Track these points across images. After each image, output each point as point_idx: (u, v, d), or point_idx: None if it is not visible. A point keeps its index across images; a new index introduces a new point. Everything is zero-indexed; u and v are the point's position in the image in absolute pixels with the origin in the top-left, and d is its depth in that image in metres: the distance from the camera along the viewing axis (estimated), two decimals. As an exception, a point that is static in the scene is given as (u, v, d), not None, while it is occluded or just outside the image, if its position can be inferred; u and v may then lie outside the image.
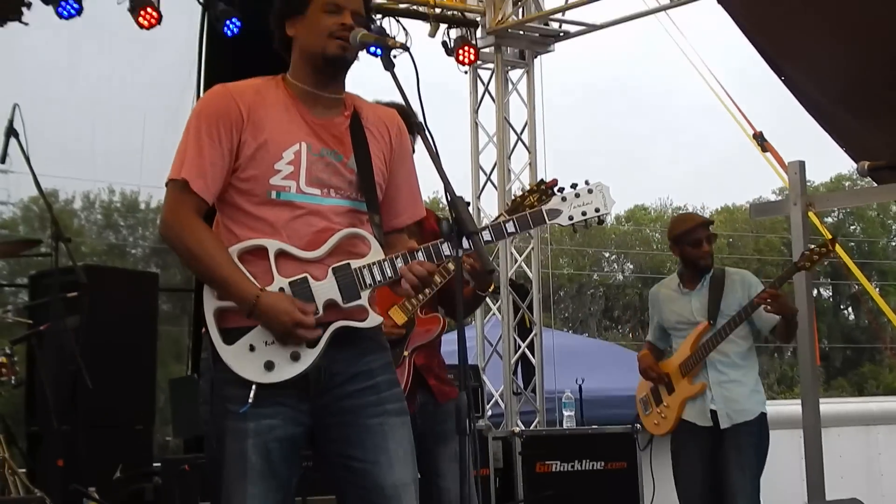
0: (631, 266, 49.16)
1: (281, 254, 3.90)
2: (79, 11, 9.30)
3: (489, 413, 11.39)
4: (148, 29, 9.60)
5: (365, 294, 3.94)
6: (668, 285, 7.62)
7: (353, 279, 3.93)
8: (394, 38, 4.06)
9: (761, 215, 12.09)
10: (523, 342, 11.53)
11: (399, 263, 3.95)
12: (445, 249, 3.98)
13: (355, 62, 4.06)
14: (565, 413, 10.88)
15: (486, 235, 4.12)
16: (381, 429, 3.95)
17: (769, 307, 7.05)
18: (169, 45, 9.96)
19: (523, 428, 10.65)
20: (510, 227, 4.17)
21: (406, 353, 5.51)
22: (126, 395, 8.71)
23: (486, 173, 11.78)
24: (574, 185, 4.31)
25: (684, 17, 11.31)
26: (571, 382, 11.50)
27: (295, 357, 3.85)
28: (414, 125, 4.07)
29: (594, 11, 11.82)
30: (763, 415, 7.21)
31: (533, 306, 11.56)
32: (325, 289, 3.90)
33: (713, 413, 7.19)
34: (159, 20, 9.62)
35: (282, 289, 3.86)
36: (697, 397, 7.26)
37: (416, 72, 3.88)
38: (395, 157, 4.20)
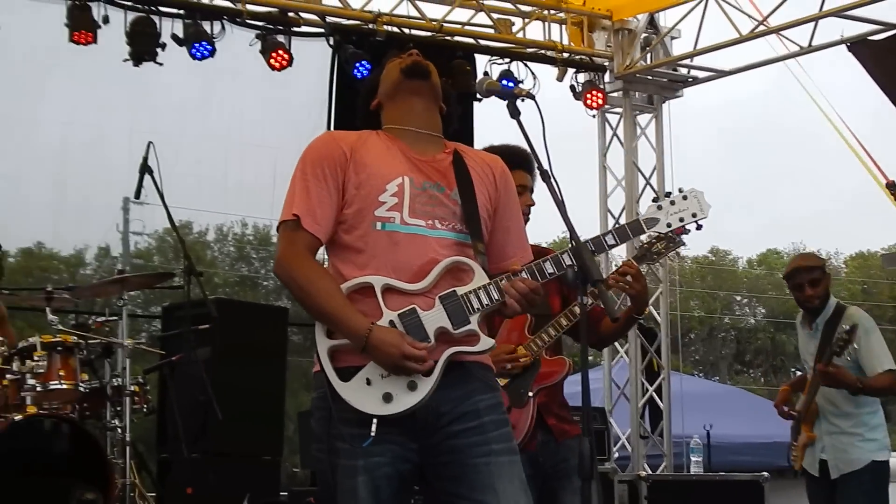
0: (763, 310, 48.36)
1: (387, 289, 3.95)
2: (211, 53, 9.59)
3: (616, 456, 11.38)
4: (279, 70, 9.84)
5: (474, 318, 3.97)
6: (799, 319, 7.62)
7: (460, 305, 3.96)
8: (520, 85, 4.12)
9: (893, 265, 11.93)
10: (651, 385, 11.51)
11: (504, 284, 4.01)
12: (548, 267, 4.03)
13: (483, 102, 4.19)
14: (693, 458, 10.84)
15: (590, 248, 4.15)
16: (487, 468, 3.95)
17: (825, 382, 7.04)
18: (300, 86, 10.16)
19: (650, 472, 10.64)
20: (610, 240, 4.19)
21: (531, 394, 5.54)
22: (255, 425, 8.89)
23: (614, 217, 11.82)
24: (668, 194, 4.36)
25: (814, 62, 11.28)
26: (699, 427, 11.47)
27: (412, 387, 3.89)
28: (540, 172, 4.13)
29: (723, 57, 11.84)
30: (877, 463, 7.09)
31: (661, 350, 11.53)
32: (435, 317, 3.94)
33: (823, 463, 7.15)
34: (290, 62, 9.86)
35: (391, 322, 3.91)
36: (813, 446, 7.24)
37: (542, 120, 3.95)
38: (501, 198, 4.25)
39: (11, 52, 9.81)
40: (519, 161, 5.63)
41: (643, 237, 4.94)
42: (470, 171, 4.18)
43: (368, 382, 3.91)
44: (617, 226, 4.26)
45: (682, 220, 4.27)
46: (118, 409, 7.53)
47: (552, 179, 3.93)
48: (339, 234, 4.06)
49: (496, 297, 4.00)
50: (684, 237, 4.83)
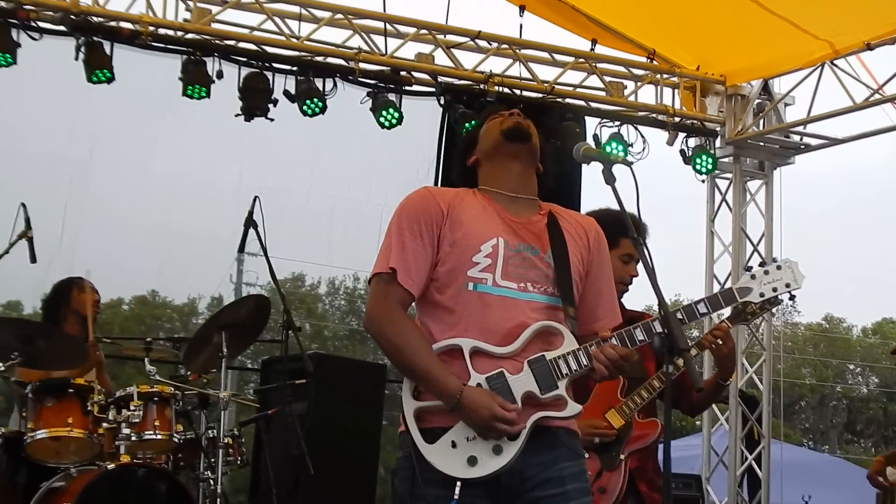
0: (876, 380, 47.55)
1: (476, 351, 3.97)
2: (322, 110, 9.70)
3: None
4: (388, 129, 9.93)
5: (562, 384, 3.99)
6: None
7: (549, 370, 3.99)
8: (629, 149, 4.13)
9: None
10: (750, 454, 11.30)
11: (593, 350, 4.00)
12: (639, 334, 4.03)
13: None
14: (792, 529, 10.63)
15: (679, 316, 4.16)
16: None
17: None
18: (409, 143, 10.26)
19: (747, 540, 10.48)
20: (702, 308, 4.22)
21: (622, 457, 5.51)
22: (348, 481, 8.91)
23: (720, 282, 11.68)
24: (763, 264, 4.33)
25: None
26: (799, 498, 11.24)
27: (497, 451, 3.90)
28: (632, 239, 4.11)
29: (837, 125, 11.66)
30: None
31: (762, 418, 11.33)
32: (522, 382, 3.96)
33: None
34: (400, 120, 9.94)
35: (479, 384, 3.93)
36: None
37: (637, 188, 3.97)
38: (594, 260, 4.28)
39: (127, 104, 10.01)
40: (629, 229, 5.63)
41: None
42: (564, 234, 4.22)
43: (454, 445, 3.93)
44: (710, 295, 4.20)
45: (775, 289, 4.29)
46: (212, 460, 7.59)
47: (644, 246, 3.92)
48: (430, 292, 4.09)
49: (585, 363, 4.02)
50: (794, 302, 4.78)
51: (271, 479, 7.83)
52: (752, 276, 4.29)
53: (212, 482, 7.52)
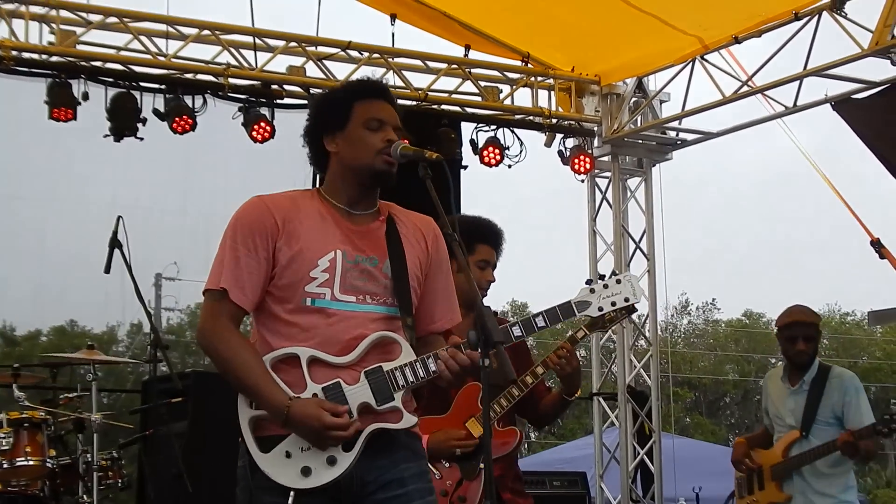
0: (798, 372, 48.19)
1: (313, 360, 3.96)
2: (193, 127, 9.65)
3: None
4: (261, 143, 9.90)
5: (398, 395, 3.99)
6: (777, 374, 7.59)
7: (385, 381, 3.98)
8: (431, 150, 4.08)
9: (879, 322, 11.85)
10: (642, 449, 11.39)
11: (431, 364, 4.00)
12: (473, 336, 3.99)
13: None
14: (679, 520, 10.73)
15: (517, 331, 4.18)
16: None
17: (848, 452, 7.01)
18: (283, 157, 10.17)
19: (641, 535, 10.56)
20: (540, 322, 4.22)
21: (482, 466, 5.51)
22: (229, 499, 8.83)
23: (604, 281, 11.70)
24: (602, 277, 4.36)
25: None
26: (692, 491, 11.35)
27: (331, 461, 3.89)
28: (445, 236, 4.12)
29: (711, 119, 11.80)
30: None
31: (651, 413, 11.42)
32: (359, 393, 3.95)
33: None
34: (272, 134, 9.91)
35: (315, 395, 3.92)
36: None
37: (450, 184, 3.86)
38: (433, 263, 4.26)
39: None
40: (486, 236, 5.66)
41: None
42: (402, 240, 4.18)
43: (288, 455, 3.93)
44: (548, 308, 4.23)
45: (613, 304, 4.31)
46: (89, 484, 7.52)
47: (459, 245, 3.91)
48: (268, 304, 4.05)
49: (422, 376, 4.01)
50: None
51: (151, 500, 7.77)
52: (592, 290, 4.30)
53: (88, 506, 7.45)
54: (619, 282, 4.31)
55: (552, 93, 11.63)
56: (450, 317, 4.31)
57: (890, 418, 6.94)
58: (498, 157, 10.93)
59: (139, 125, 9.58)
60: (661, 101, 11.81)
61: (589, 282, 4.33)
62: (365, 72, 10.46)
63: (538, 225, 56.19)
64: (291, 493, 3.87)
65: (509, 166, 11.03)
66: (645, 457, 11.34)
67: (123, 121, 9.51)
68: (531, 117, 11.40)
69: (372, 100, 4.19)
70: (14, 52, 9.26)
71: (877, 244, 9.84)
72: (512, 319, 4.29)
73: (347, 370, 3.98)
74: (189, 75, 9.97)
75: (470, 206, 5.46)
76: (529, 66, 11.43)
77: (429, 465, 4.32)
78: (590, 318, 4.98)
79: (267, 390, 3.91)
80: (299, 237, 4.03)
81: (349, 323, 4.00)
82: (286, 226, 4.03)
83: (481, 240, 5.64)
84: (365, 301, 4.04)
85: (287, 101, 10.31)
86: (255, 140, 9.89)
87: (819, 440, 7.19)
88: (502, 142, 11.00)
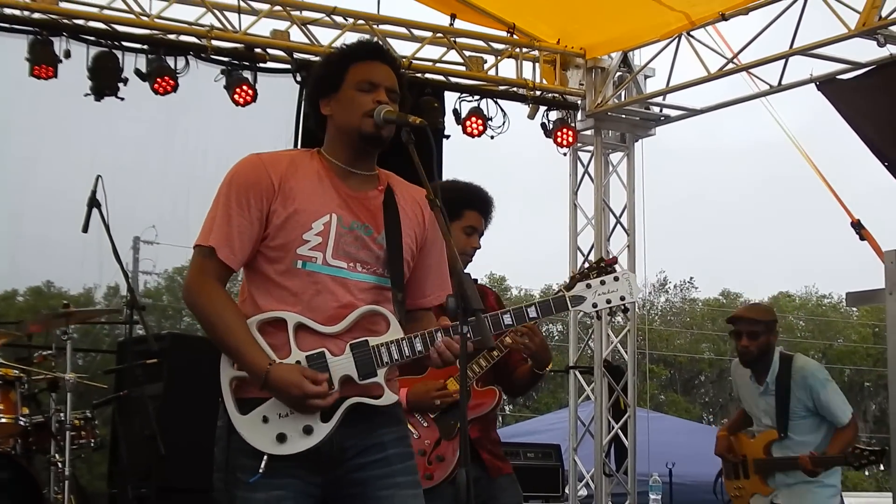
0: (774, 352, 48.48)
1: (300, 327, 3.93)
2: (175, 88, 9.58)
3: (582, 494, 11.37)
4: (243, 106, 9.83)
5: (381, 372, 3.96)
6: (742, 367, 7.60)
7: (370, 356, 3.95)
8: (414, 116, 4.03)
9: (857, 304, 11.89)
10: (617, 423, 11.41)
11: (417, 344, 3.98)
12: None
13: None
14: (651, 496, 10.76)
15: (508, 319, 4.19)
16: (391, 501, 3.96)
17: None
18: (266, 121, 10.14)
19: (613, 510, 10.58)
20: (532, 313, 4.23)
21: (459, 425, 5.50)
22: (204, 460, 8.81)
23: (584, 255, 11.74)
24: (594, 266, 4.35)
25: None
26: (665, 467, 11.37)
27: (308, 431, 3.87)
28: (429, 201, 4.08)
29: (696, 95, 11.79)
30: None
31: (627, 388, 11.43)
32: (342, 364, 3.92)
33: None
34: (254, 97, 9.86)
35: (298, 362, 3.89)
36: (765, 497, 7.25)
37: (433, 149, 3.80)
38: (428, 237, 4.22)
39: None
40: (474, 202, 5.63)
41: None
42: (399, 212, 4.14)
43: (265, 420, 3.90)
44: (541, 300, 4.22)
45: (609, 301, 4.30)
46: (62, 443, 7.49)
47: (442, 212, 3.87)
48: (259, 263, 4.02)
49: (408, 354, 3.98)
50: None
51: (124, 461, 7.75)
52: (588, 286, 4.29)
53: (59, 465, 7.42)
54: (616, 279, 4.31)
55: (537, 65, 11.58)
56: (440, 293, 4.27)
57: (860, 452, 6.98)
58: (481, 128, 10.89)
59: (120, 85, 9.50)
60: (646, 77, 11.79)
61: (584, 275, 4.33)
62: (350, 38, 10.41)
63: (520, 197, 56.20)
64: (265, 457, 3.86)
65: (492, 137, 10.99)
66: (619, 431, 11.36)
67: (105, 80, 9.43)
68: (515, 88, 11.34)
69: (367, 61, 4.12)
70: (-5, 8, 9.18)
71: (857, 225, 9.86)
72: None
73: (334, 340, 3.95)
74: (172, 36, 9.88)
75: (450, 175, 5.46)
76: (515, 37, 11.37)
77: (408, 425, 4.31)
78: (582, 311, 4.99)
79: (248, 351, 3.88)
80: (295, 198, 3.98)
81: (339, 290, 3.97)
82: (282, 185, 3.98)
83: (469, 206, 5.61)
84: (356, 269, 4.01)
85: (270, 65, 10.23)
86: (237, 103, 9.80)
87: (798, 435, 7.27)
88: (485, 112, 10.95)
